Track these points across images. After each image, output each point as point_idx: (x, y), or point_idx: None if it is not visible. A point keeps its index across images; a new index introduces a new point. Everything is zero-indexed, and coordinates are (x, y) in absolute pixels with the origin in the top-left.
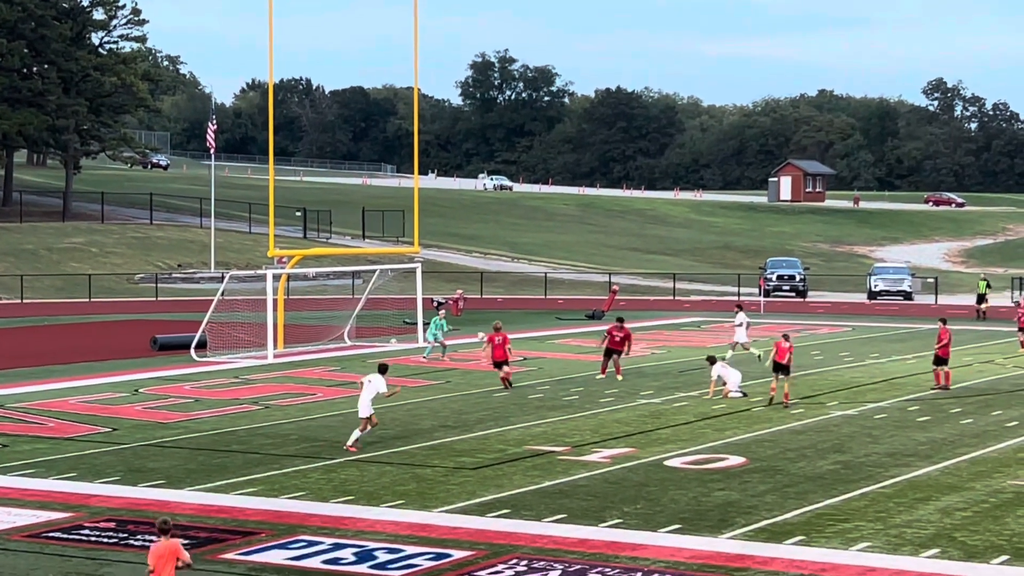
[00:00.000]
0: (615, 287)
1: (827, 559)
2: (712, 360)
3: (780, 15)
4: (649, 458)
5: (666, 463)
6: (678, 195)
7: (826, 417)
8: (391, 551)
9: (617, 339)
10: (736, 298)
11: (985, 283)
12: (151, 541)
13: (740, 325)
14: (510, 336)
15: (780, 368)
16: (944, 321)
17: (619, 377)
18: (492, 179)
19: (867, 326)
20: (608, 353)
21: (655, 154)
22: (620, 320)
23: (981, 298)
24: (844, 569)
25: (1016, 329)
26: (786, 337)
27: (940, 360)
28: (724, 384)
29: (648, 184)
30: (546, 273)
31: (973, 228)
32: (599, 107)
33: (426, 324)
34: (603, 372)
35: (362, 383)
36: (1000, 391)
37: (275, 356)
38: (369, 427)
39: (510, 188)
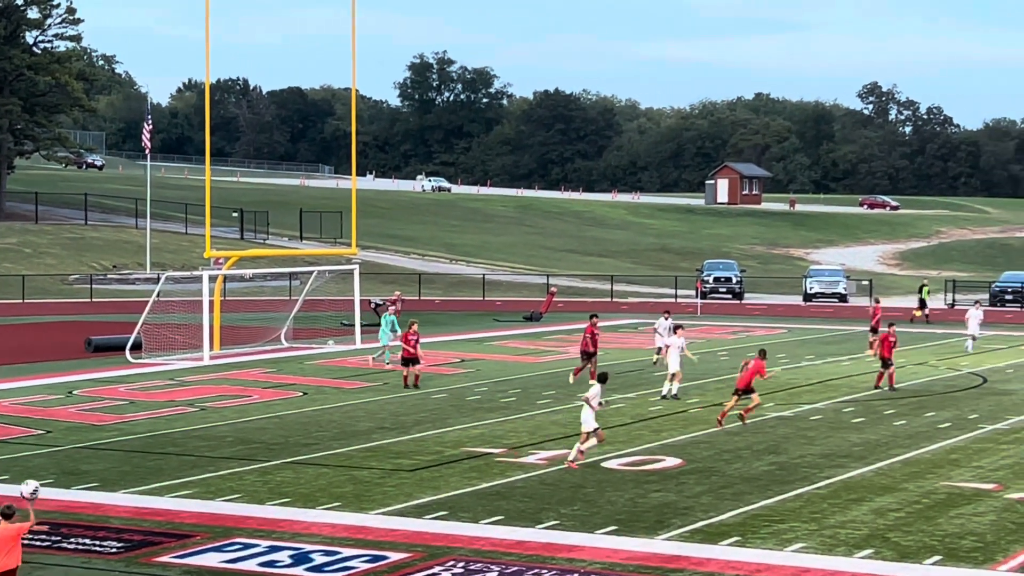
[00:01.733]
0: (553, 289)
1: (762, 560)
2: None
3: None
4: (586, 459)
5: (603, 465)
6: (616, 197)
7: (762, 419)
8: (327, 553)
9: (592, 340)
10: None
11: (927, 289)
12: (84, 544)
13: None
14: (447, 338)
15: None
16: (890, 324)
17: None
18: (430, 180)
19: (802, 328)
20: (586, 356)
21: (593, 156)
22: (594, 317)
23: (923, 303)
24: (779, 570)
25: (868, 329)
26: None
27: (884, 362)
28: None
29: (586, 186)
30: (484, 275)
31: (907, 231)
32: (537, 109)
33: (369, 326)
34: (576, 375)
35: (585, 399)
36: (933, 392)
37: (211, 358)
38: (594, 441)
39: (448, 190)
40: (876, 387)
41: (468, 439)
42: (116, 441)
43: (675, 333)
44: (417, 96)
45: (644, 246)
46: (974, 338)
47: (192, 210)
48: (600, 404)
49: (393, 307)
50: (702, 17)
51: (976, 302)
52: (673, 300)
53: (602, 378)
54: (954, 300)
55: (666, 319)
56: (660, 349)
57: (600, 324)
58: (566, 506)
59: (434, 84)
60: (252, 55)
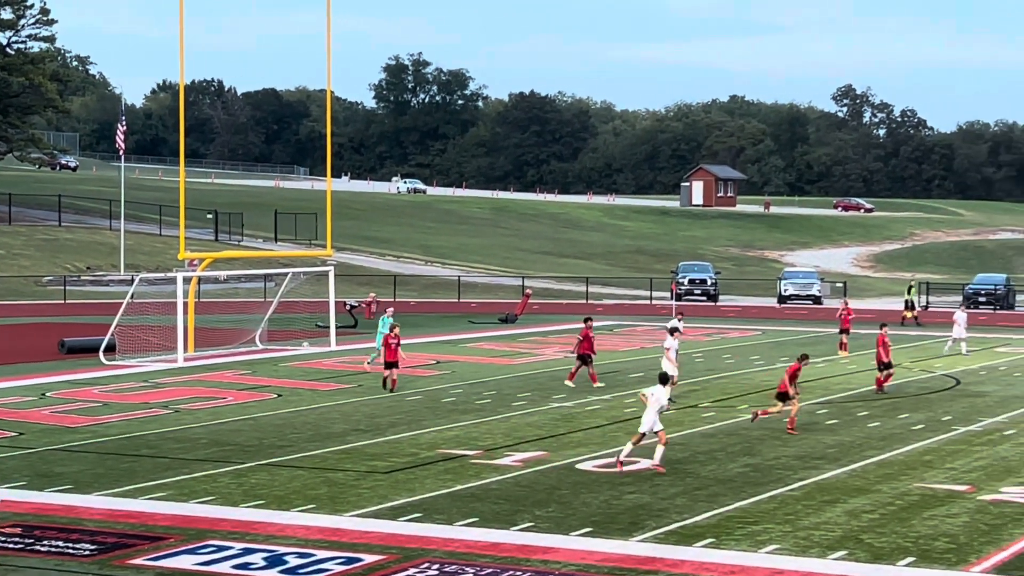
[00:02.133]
0: (528, 291)
1: (736, 561)
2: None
3: (692, 20)
4: (561, 461)
5: (578, 466)
6: (591, 199)
7: (736, 420)
8: (302, 555)
9: (588, 343)
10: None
11: (913, 289)
12: (58, 547)
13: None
14: (422, 339)
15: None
16: (883, 325)
17: (596, 384)
18: (405, 182)
19: (777, 330)
20: (582, 359)
21: (568, 158)
22: (589, 320)
23: (911, 305)
24: (753, 571)
25: (838, 330)
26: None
27: (883, 364)
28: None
29: (561, 188)
30: (459, 276)
31: (881, 233)
32: (513, 111)
33: (345, 327)
34: (572, 378)
35: (644, 396)
36: (907, 394)
37: (185, 360)
38: (653, 443)
39: (423, 191)
40: (879, 391)
41: (443, 441)
42: (90, 443)
43: (672, 336)
44: (392, 98)
45: (619, 248)
46: (958, 340)
47: (167, 211)
48: (669, 403)
49: (390, 309)
50: (677, 19)
51: (962, 304)
52: (648, 302)
53: (663, 379)
54: (928, 303)
55: (679, 320)
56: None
57: (573, 326)
58: (541, 508)
59: (410, 86)
60: (227, 56)
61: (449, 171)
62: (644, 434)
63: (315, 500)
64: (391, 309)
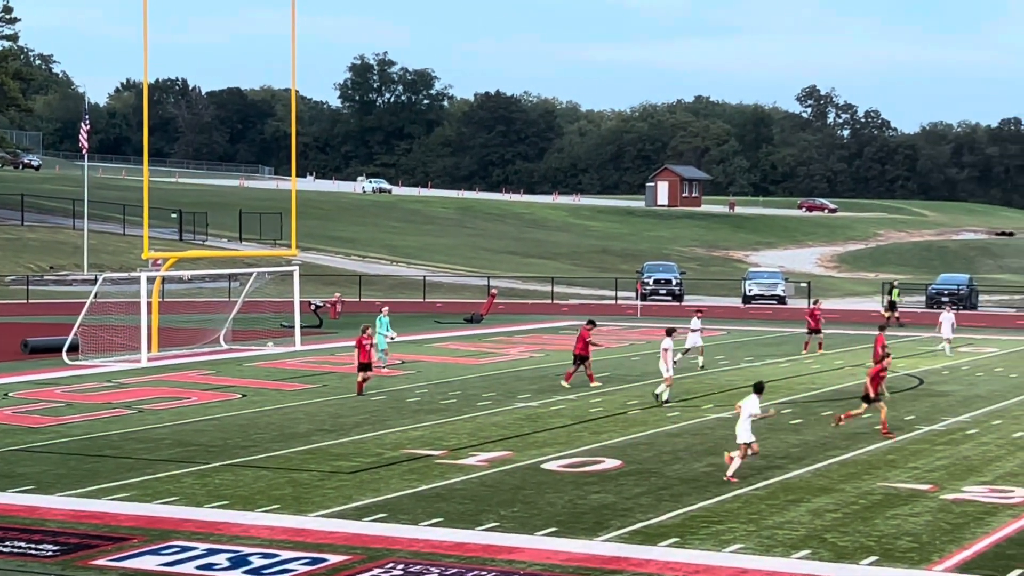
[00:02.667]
0: (494, 291)
1: (701, 561)
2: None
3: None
4: (526, 461)
5: (543, 466)
6: (556, 199)
7: (701, 420)
8: (266, 556)
9: (584, 344)
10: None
11: (896, 291)
12: (20, 548)
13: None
14: (387, 340)
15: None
16: (882, 328)
17: (593, 384)
18: (371, 182)
19: (741, 330)
20: (577, 360)
21: (534, 158)
22: (592, 323)
23: (893, 305)
24: (717, 571)
25: (806, 331)
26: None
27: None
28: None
29: (527, 188)
30: (425, 276)
31: (845, 234)
32: (478, 111)
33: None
34: (568, 379)
35: (739, 407)
36: None
37: (149, 360)
38: (749, 454)
39: (389, 191)
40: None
41: (408, 441)
42: (52, 443)
43: (669, 336)
44: (358, 97)
45: (585, 248)
46: (948, 341)
47: (130, 211)
48: (762, 414)
49: (385, 308)
50: (642, 19)
51: (948, 305)
52: (613, 302)
53: (758, 388)
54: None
55: (699, 318)
56: (688, 349)
57: (537, 326)
58: (506, 508)
59: (375, 85)
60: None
61: (415, 171)
62: (746, 445)
63: (280, 500)
64: (386, 308)
